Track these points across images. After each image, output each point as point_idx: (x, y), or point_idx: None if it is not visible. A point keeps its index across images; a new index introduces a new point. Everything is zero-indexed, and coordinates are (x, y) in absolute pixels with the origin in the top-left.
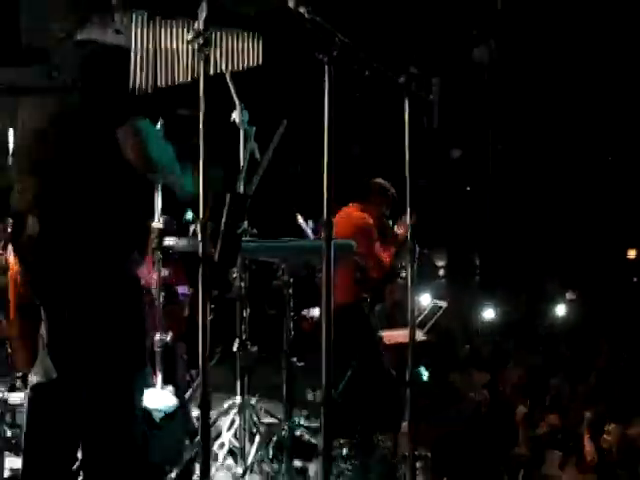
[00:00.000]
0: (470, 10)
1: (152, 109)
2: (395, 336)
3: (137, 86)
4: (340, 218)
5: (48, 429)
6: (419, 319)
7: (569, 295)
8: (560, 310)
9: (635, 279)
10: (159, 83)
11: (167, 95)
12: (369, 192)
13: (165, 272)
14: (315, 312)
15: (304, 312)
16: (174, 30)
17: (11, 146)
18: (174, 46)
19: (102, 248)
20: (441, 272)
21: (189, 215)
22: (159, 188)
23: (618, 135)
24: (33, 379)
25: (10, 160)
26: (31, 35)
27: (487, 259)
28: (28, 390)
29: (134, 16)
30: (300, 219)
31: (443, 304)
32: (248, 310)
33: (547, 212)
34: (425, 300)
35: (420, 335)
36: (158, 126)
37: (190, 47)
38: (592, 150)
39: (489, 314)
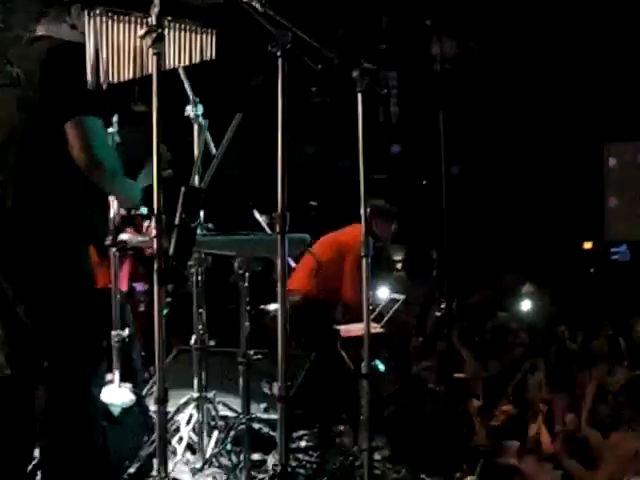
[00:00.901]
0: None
1: (107, 105)
2: (352, 329)
3: (91, 82)
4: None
5: (2, 427)
6: (376, 312)
7: (526, 288)
8: (525, 305)
9: (592, 270)
10: (113, 79)
11: (123, 90)
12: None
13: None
14: (272, 307)
15: (262, 307)
16: (127, 25)
17: None
18: (127, 42)
19: (55, 241)
20: (399, 266)
21: (143, 210)
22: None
23: (574, 126)
24: None
25: None
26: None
27: (444, 253)
28: None
29: (88, 12)
30: (257, 213)
31: (400, 297)
32: (204, 305)
33: (504, 206)
34: (383, 294)
35: (377, 328)
36: (114, 120)
37: (144, 42)
38: (547, 142)
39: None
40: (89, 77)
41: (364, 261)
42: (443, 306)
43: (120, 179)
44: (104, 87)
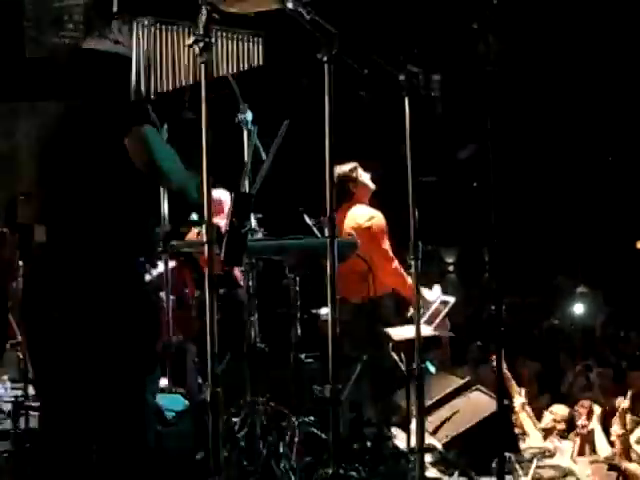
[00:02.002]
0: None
1: (157, 114)
2: (404, 332)
3: (140, 92)
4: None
5: (61, 432)
6: (427, 315)
7: (581, 289)
8: (578, 309)
9: None
10: (162, 88)
11: (172, 98)
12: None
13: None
14: (323, 311)
15: (314, 311)
16: (175, 35)
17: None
18: (175, 51)
19: (110, 254)
20: (450, 268)
21: (194, 216)
22: (165, 193)
23: (623, 129)
24: (44, 384)
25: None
26: (35, 46)
27: (497, 255)
28: (40, 395)
29: (135, 23)
30: (307, 218)
31: (451, 300)
32: (256, 309)
33: (554, 207)
34: (433, 296)
35: (428, 331)
36: (163, 130)
37: (191, 51)
38: (599, 143)
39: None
40: (139, 86)
41: (413, 263)
42: (493, 308)
43: (185, 179)
44: (153, 96)
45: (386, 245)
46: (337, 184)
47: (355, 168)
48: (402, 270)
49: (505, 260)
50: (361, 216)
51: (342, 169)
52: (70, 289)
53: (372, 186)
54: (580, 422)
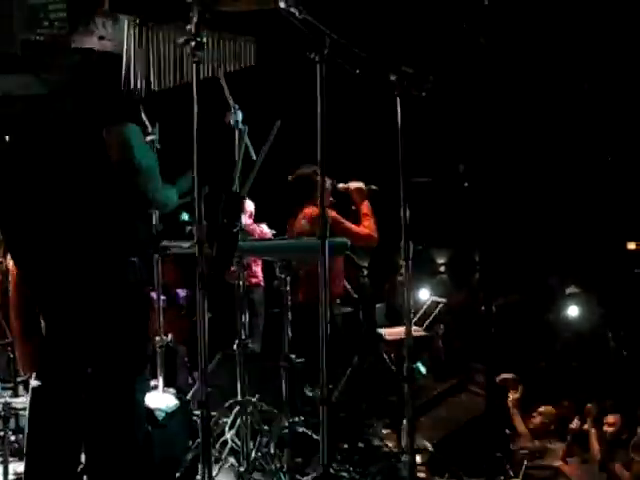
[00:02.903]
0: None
1: (148, 113)
2: (395, 332)
3: (131, 90)
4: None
5: (50, 432)
6: (418, 316)
7: (571, 289)
8: (571, 307)
9: (636, 270)
10: (153, 87)
11: (164, 98)
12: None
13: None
14: None
15: None
16: (166, 34)
17: None
18: (166, 50)
19: (99, 252)
20: (441, 269)
21: (185, 216)
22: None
23: (615, 130)
24: (34, 383)
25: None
26: (26, 44)
27: (487, 256)
28: (29, 394)
29: (126, 21)
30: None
31: (442, 300)
32: (247, 309)
33: (544, 207)
34: (424, 296)
35: (420, 331)
36: (155, 128)
37: (183, 50)
38: (590, 143)
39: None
40: (128, 85)
41: (404, 264)
42: (483, 308)
43: (155, 180)
44: (143, 95)
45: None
46: (298, 184)
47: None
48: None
49: (496, 261)
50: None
51: (304, 171)
52: (60, 289)
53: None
54: (574, 423)
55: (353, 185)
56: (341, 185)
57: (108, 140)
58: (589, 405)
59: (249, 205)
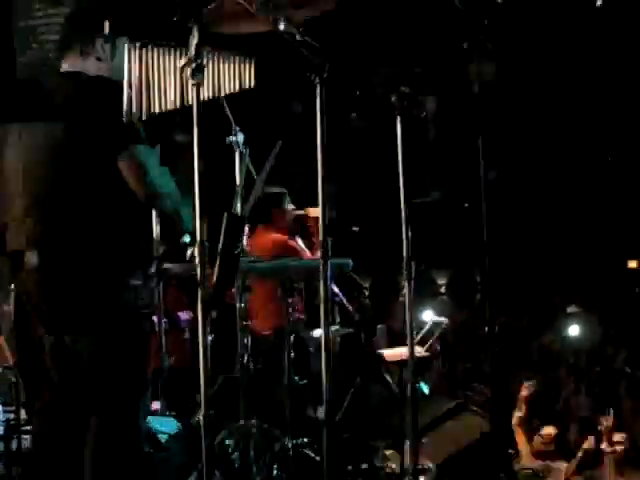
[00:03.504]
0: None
1: (149, 136)
2: (397, 353)
3: (131, 114)
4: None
5: (52, 454)
6: (419, 336)
7: (571, 309)
8: (572, 327)
9: (637, 289)
10: (153, 110)
11: (164, 120)
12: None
13: None
14: (316, 333)
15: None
16: (166, 56)
17: None
18: (166, 72)
19: (101, 277)
20: (442, 289)
21: (186, 238)
22: (157, 215)
23: (616, 142)
24: (37, 406)
25: None
26: (27, 68)
27: (488, 276)
28: (33, 417)
29: (125, 44)
30: (300, 241)
31: (443, 320)
32: (248, 331)
33: (545, 226)
34: (427, 317)
35: (421, 351)
36: (156, 152)
37: (183, 73)
38: (589, 161)
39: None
40: (128, 108)
41: (406, 285)
42: (486, 329)
43: (178, 202)
44: (144, 118)
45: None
46: (259, 204)
47: (284, 194)
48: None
49: (497, 281)
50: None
51: (270, 190)
52: (61, 312)
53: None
54: (587, 443)
55: (310, 212)
56: (297, 212)
57: (122, 168)
58: (605, 423)
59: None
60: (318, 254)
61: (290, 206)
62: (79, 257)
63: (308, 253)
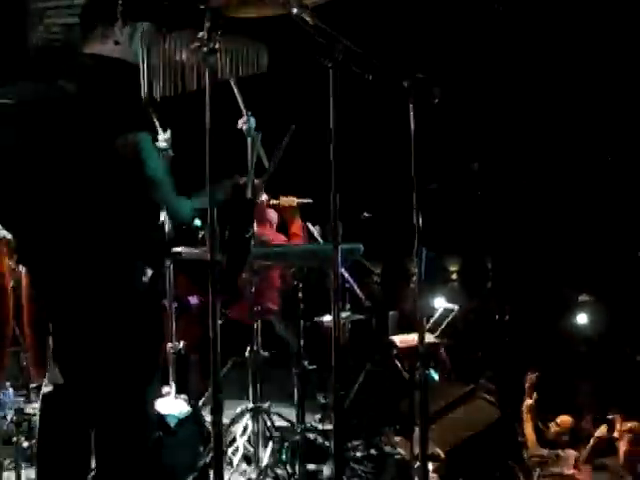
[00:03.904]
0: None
1: (161, 119)
2: (408, 340)
3: (144, 96)
4: None
5: (60, 438)
6: (431, 323)
7: (583, 297)
8: (582, 316)
9: None
10: (166, 92)
11: (176, 104)
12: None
13: None
14: (326, 318)
15: (317, 318)
16: (179, 40)
17: None
18: (180, 56)
19: (108, 259)
20: (454, 276)
21: (197, 222)
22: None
23: (628, 130)
24: (45, 390)
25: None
26: (39, 49)
27: (500, 263)
28: (40, 400)
29: (139, 28)
30: (310, 225)
31: (454, 307)
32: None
33: (557, 215)
34: (438, 304)
35: (431, 338)
36: (167, 135)
37: (195, 56)
38: (601, 152)
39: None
40: (142, 92)
41: (416, 271)
42: (497, 317)
43: (171, 193)
44: (157, 100)
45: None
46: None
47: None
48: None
49: (508, 269)
50: None
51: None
52: (67, 296)
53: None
54: (599, 431)
55: (283, 201)
56: (271, 201)
57: (120, 149)
58: (618, 414)
59: (273, 216)
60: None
61: (264, 196)
62: (87, 239)
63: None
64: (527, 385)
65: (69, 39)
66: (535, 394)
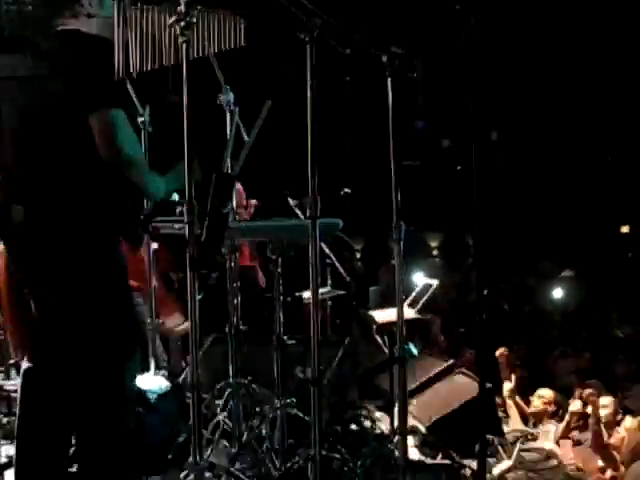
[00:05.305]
0: None
1: (139, 95)
2: (388, 315)
3: (121, 71)
4: None
5: (40, 414)
6: (410, 298)
7: (566, 273)
8: (557, 293)
9: (630, 254)
10: (143, 68)
11: (155, 80)
12: None
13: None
14: (306, 294)
15: (297, 293)
16: (157, 14)
17: None
18: (157, 30)
19: (87, 233)
20: (435, 252)
21: (175, 196)
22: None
23: (610, 109)
24: (25, 365)
25: None
26: (13, 23)
27: (481, 239)
28: (21, 376)
29: (116, 2)
30: (290, 200)
31: (434, 282)
32: (239, 292)
33: (539, 191)
34: (418, 279)
35: (412, 313)
36: (146, 110)
37: (173, 30)
38: (583, 127)
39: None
40: (117, 67)
41: (395, 246)
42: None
43: (144, 171)
44: (134, 76)
45: None
46: None
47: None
48: None
49: (489, 245)
50: None
51: None
52: (47, 271)
53: None
54: (574, 405)
55: None
56: None
57: (93, 126)
58: (592, 388)
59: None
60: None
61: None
62: (64, 213)
63: None
64: (501, 362)
65: (42, 15)
66: (514, 376)
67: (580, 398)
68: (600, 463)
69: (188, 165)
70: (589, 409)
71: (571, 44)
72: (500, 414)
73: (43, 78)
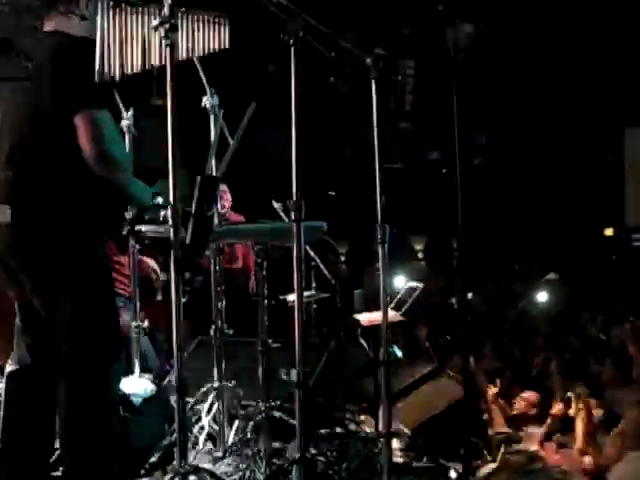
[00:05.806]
0: None
1: (124, 98)
2: (373, 318)
3: (105, 74)
4: None
5: (24, 417)
6: (395, 301)
7: (550, 276)
8: (544, 294)
9: (614, 257)
10: (128, 70)
11: (140, 83)
12: None
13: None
14: (291, 297)
15: (282, 297)
16: (140, 17)
17: None
18: (141, 33)
19: (72, 234)
20: (419, 255)
21: (159, 200)
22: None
23: (593, 111)
24: (9, 367)
25: None
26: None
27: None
28: (4, 378)
29: (100, 4)
30: (275, 203)
31: (418, 285)
32: (223, 295)
33: (523, 194)
34: (400, 283)
35: (397, 316)
36: (129, 113)
37: (157, 33)
38: (566, 129)
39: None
40: (100, 69)
41: (380, 248)
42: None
43: (128, 175)
44: (117, 79)
45: None
46: None
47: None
48: None
49: (473, 248)
50: None
51: None
52: (31, 271)
53: None
54: (555, 408)
55: None
56: None
57: (78, 128)
58: (577, 390)
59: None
60: None
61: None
62: (51, 214)
63: None
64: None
65: (24, 16)
66: (499, 380)
67: (562, 400)
68: (587, 464)
69: (172, 170)
70: (571, 411)
71: (559, 49)
72: (485, 417)
73: (28, 79)
